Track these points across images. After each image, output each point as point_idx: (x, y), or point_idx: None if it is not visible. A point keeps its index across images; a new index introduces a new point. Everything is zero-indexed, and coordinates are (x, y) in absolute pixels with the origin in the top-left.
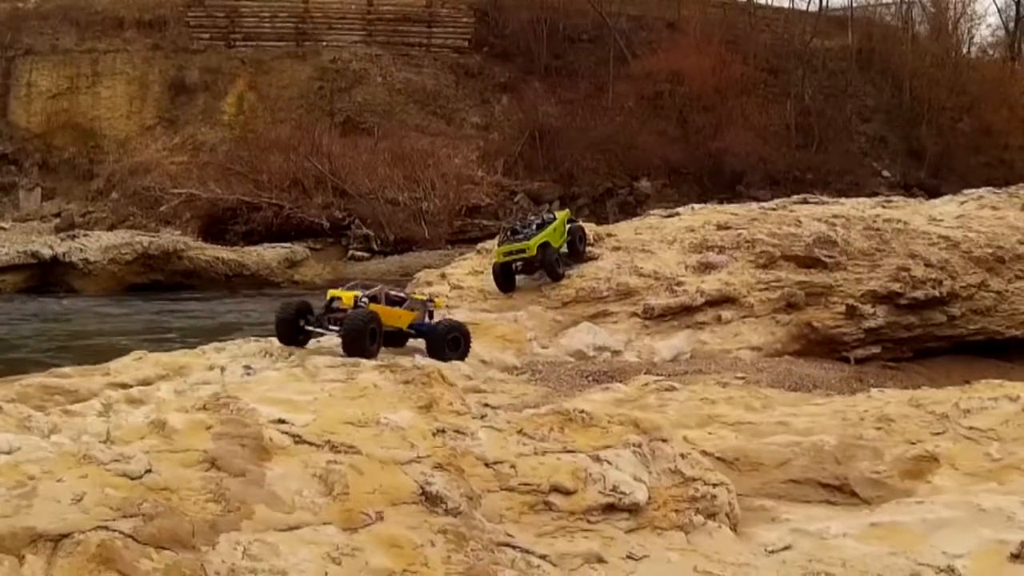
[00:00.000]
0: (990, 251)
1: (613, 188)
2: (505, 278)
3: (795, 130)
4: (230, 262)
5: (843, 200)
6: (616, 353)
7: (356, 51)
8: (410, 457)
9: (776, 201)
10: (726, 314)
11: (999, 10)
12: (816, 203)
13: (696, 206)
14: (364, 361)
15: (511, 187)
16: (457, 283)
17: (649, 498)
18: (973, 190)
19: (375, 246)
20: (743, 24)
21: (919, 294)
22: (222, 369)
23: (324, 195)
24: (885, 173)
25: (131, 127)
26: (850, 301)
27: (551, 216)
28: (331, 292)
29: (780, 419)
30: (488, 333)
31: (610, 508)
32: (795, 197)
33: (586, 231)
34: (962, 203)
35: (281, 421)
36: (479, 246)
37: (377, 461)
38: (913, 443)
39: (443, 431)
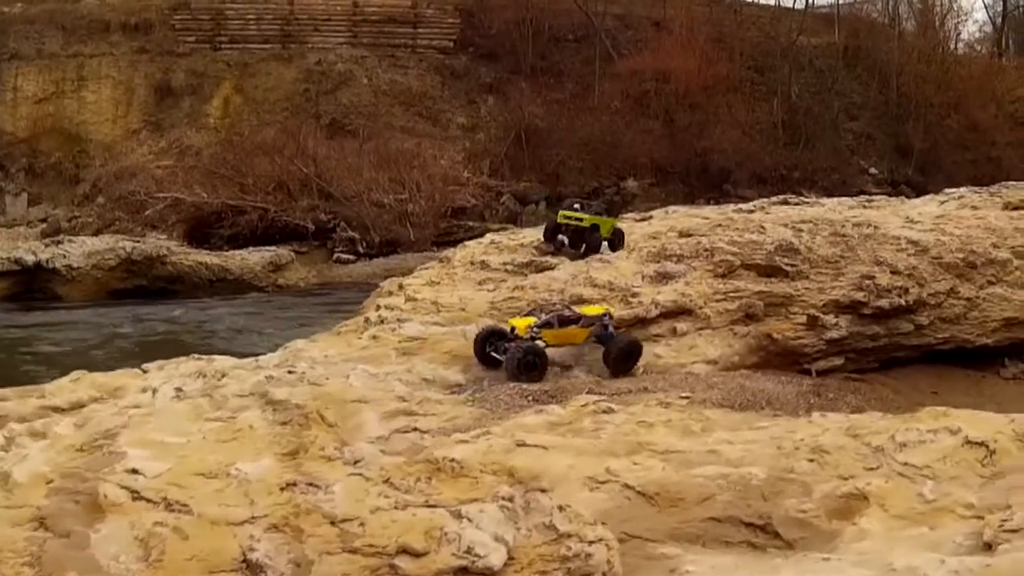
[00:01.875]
0: (961, 256)
1: (600, 188)
2: (552, 234)
3: (782, 128)
4: (213, 267)
5: (824, 200)
6: (566, 368)
7: (341, 53)
8: (245, 516)
9: (755, 202)
10: (682, 326)
11: (986, 6)
12: (796, 204)
13: (672, 208)
14: (252, 399)
15: (497, 188)
16: (412, 295)
17: (511, 558)
18: (954, 189)
19: (360, 249)
20: (729, 22)
21: (884, 303)
22: (154, 391)
23: (309, 198)
24: (872, 170)
25: (117, 131)
26: (811, 311)
27: (604, 213)
28: (511, 320)
29: (713, 447)
30: (436, 348)
31: (463, 572)
32: (775, 198)
33: (624, 234)
34: (942, 203)
35: (134, 471)
36: (443, 254)
37: (208, 522)
38: (845, 479)
39: (293, 484)
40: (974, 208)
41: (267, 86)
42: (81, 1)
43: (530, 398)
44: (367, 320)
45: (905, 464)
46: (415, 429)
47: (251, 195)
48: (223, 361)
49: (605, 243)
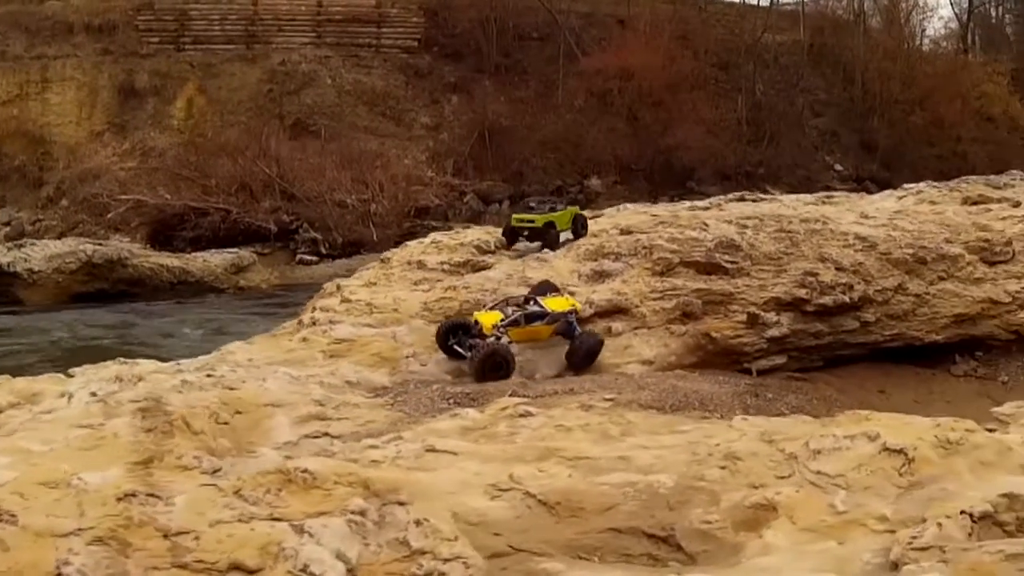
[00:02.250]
0: (911, 252)
1: (563, 186)
2: (511, 237)
3: (746, 125)
4: (174, 269)
5: (783, 196)
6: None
7: (306, 53)
8: (71, 528)
9: (711, 199)
10: (617, 326)
11: (952, 3)
12: (753, 200)
13: (624, 206)
14: (124, 405)
15: (461, 187)
16: (348, 296)
17: None
18: (913, 184)
19: (323, 250)
20: (694, 20)
21: (827, 300)
22: (70, 397)
23: (272, 199)
24: (837, 167)
25: (81, 133)
26: (752, 309)
27: (562, 206)
28: (476, 314)
29: (625, 453)
30: (364, 350)
31: None
32: (732, 195)
33: (587, 221)
34: (900, 198)
35: None
36: (384, 254)
37: (32, 533)
38: (755, 487)
39: (132, 495)
40: (932, 203)
41: (231, 87)
42: (45, 3)
43: (451, 400)
44: (300, 322)
45: (818, 473)
46: (326, 434)
47: (214, 196)
48: (145, 365)
49: (569, 233)
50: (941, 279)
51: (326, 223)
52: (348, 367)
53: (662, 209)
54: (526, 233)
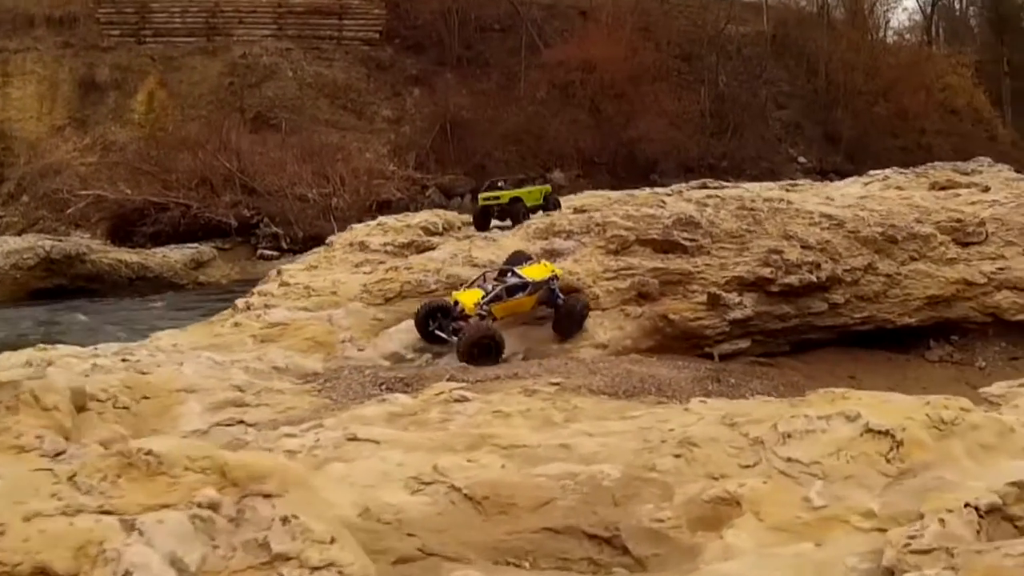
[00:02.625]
0: (880, 231)
1: (526, 179)
2: (483, 219)
3: (709, 117)
4: (133, 264)
5: (745, 184)
6: (438, 355)
7: (267, 45)
8: None
9: (673, 187)
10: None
11: None
12: (715, 187)
13: (586, 193)
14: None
15: (423, 181)
16: (287, 280)
17: None
18: (879, 171)
19: (284, 244)
20: (656, 11)
21: (793, 279)
22: None
23: (232, 193)
24: (801, 159)
25: (41, 128)
26: (712, 289)
27: (530, 184)
28: (455, 294)
29: (568, 440)
30: (297, 335)
31: None
32: (694, 183)
33: (560, 201)
34: (867, 184)
35: None
36: (329, 239)
37: None
38: (715, 478)
39: None
40: (899, 188)
41: (192, 80)
42: None
43: (383, 386)
44: (235, 307)
45: (789, 460)
46: (241, 422)
47: (174, 191)
48: (60, 350)
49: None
50: (913, 259)
51: (287, 217)
52: (278, 352)
53: (619, 193)
54: (497, 212)
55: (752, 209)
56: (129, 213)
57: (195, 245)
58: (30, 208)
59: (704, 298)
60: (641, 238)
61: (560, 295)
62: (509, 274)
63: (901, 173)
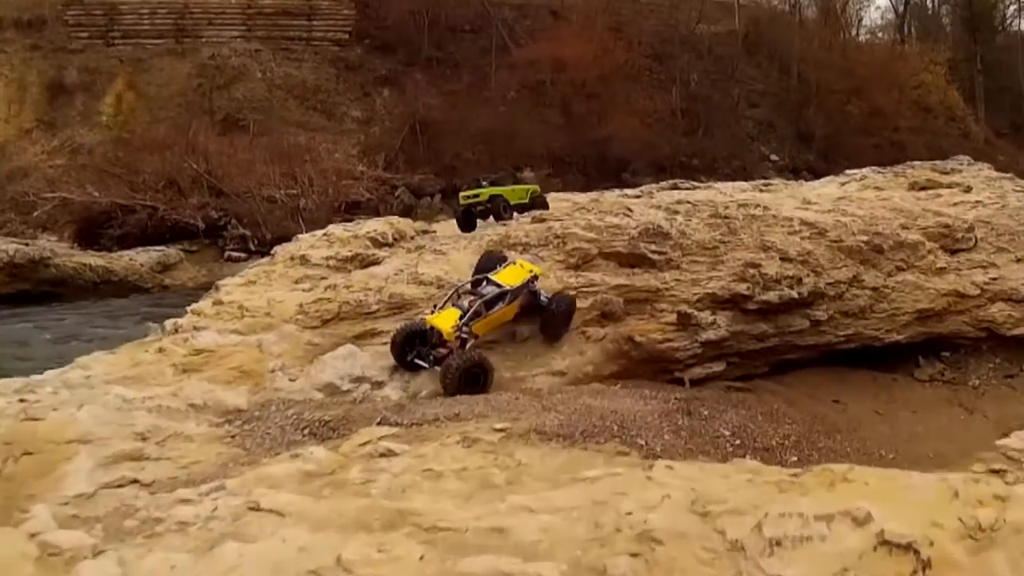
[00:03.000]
0: (865, 239)
1: (508, 176)
2: (466, 220)
3: (681, 116)
4: (97, 268)
5: (718, 184)
6: (378, 385)
7: (236, 47)
8: None
9: (643, 188)
10: (523, 329)
11: None
12: (687, 188)
13: (549, 196)
14: None
15: (392, 181)
16: (222, 297)
17: None
18: (856, 170)
19: (252, 246)
20: (627, 10)
21: (772, 296)
22: None
23: (200, 195)
24: (773, 157)
25: (10, 131)
26: (683, 308)
27: (512, 182)
28: (428, 319)
29: (503, 521)
30: (222, 363)
31: None
32: (664, 183)
33: (547, 200)
34: (843, 184)
35: None
36: (274, 249)
37: None
38: None
39: None
40: (878, 189)
41: (160, 82)
42: None
43: (306, 430)
44: (163, 329)
45: None
46: (135, 481)
47: (141, 193)
48: None
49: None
50: (900, 269)
51: (255, 219)
52: (198, 386)
53: (585, 197)
54: (479, 211)
55: (726, 217)
56: (96, 216)
57: (162, 248)
58: None
59: (674, 318)
60: (604, 251)
61: (544, 295)
62: (484, 283)
63: (879, 172)
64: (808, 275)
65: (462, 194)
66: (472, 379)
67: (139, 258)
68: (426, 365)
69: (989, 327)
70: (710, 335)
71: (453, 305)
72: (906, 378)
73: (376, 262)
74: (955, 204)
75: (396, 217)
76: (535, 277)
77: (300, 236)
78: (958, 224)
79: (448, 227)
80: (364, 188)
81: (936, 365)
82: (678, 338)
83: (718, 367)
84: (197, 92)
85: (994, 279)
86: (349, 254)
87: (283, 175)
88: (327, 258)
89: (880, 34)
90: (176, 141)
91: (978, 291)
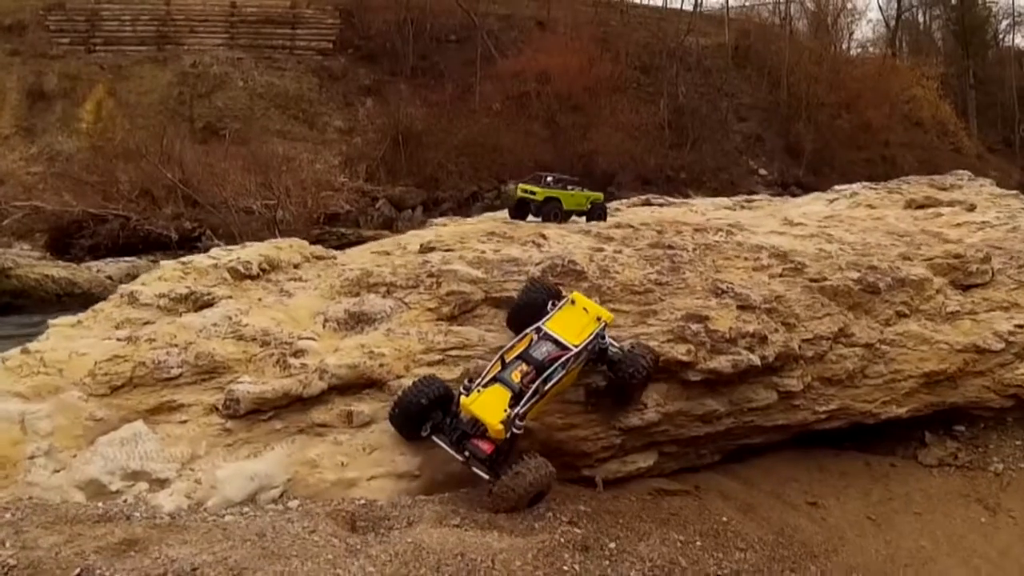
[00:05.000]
0: (856, 276)
1: (479, 191)
2: (518, 210)
3: (668, 129)
4: (60, 280)
5: (695, 201)
6: (158, 485)
7: (218, 55)
8: None
9: (617, 203)
10: (363, 409)
11: (880, 7)
12: (660, 204)
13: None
14: None
15: (373, 192)
16: (33, 347)
17: None
18: (846, 186)
19: None
20: (615, 22)
21: (723, 362)
22: None
23: (174, 205)
24: (762, 171)
25: None
26: (591, 380)
27: (577, 188)
28: (467, 404)
29: None
30: None
31: None
32: (636, 198)
33: (607, 209)
34: (832, 201)
35: None
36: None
37: None
38: None
39: None
40: (870, 207)
41: (141, 89)
42: None
43: None
44: None
45: None
46: None
47: (114, 203)
48: None
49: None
50: (901, 316)
51: (230, 230)
52: None
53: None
54: (533, 208)
55: (670, 247)
56: (67, 225)
57: (132, 259)
58: None
59: (582, 394)
60: (492, 295)
61: (613, 347)
62: (536, 337)
63: (871, 188)
64: (776, 330)
65: (520, 185)
66: (537, 498)
67: (107, 269)
68: (451, 451)
69: (1017, 393)
70: (634, 420)
71: (497, 380)
72: (908, 463)
73: (210, 303)
74: (958, 225)
75: (291, 240)
76: (604, 324)
77: (163, 263)
78: (971, 254)
79: (356, 253)
80: (344, 200)
81: (947, 444)
82: (587, 424)
83: (645, 461)
84: (178, 100)
85: (1020, 326)
86: (184, 291)
87: (261, 185)
88: (159, 295)
89: (871, 48)
90: (152, 150)
91: (1002, 344)
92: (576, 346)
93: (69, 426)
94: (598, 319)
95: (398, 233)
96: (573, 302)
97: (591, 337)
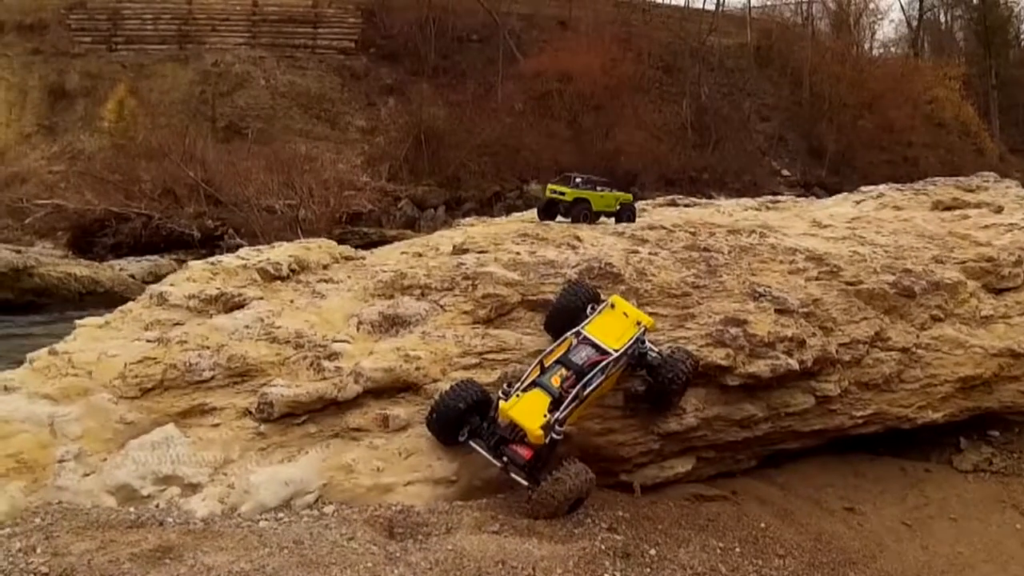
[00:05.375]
0: (891, 279)
1: (501, 191)
2: (547, 210)
3: (691, 129)
4: (83, 278)
5: (721, 201)
6: (191, 489)
7: (239, 54)
8: None
9: (643, 203)
10: (399, 413)
11: (902, 7)
12: (685, 205)
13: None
14: None
15: (395, 192)
16: (61, 347)
17: None
18: (872, 187)
19: None
20: (637, 22)
21: (762, 367)
22: None
23: (197, 204)
24: (784, 172)
25: (10, 135)
26: (631, 384)
27: (606, 188)
28: (506, 409)
29: None
30: None
31: None
32: (661, 199)
33: (636, 209)
34: (858, 202)
35: None
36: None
37: None
38: None
39: None
40: (897, 208)
41: (162, 88)
42: None
43: None
44: None
45: None
46: None
47: (136, 201)
48: None
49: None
50: (936, 320)
51: (252, 229)
52: None
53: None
54: (563, 208)
55: (707, 249)
56: (89, 224)
57: (154, 257)
58: None
59: (620, 399)
60: (529, 298)
61: (652, 351)
62: (576, 341)
63: (898, 190)
64: (814, 334)
65: (550, 185)
66: (576, 504)
67: (130, 268)
68: (489, 456)
69: None
70: (672, 425)
71: (537, 384)
72: (943, 468)
73: (241, 304)
74: (985, 227)
75: (320, 240)
76: (644, 329)
77: (191, 263)
78: (1004, 257)
79: (385, 253)
80: (366, 199)
81: (982, 449)
82: (626, 428)
83: (683, 466)
84: (200, 99)
85: None
86: (214, 292)
87: (283, 185)
88: (189, 296)
89: (893, 48)
90: (174, 148)
91: None
92: (616, 351)
93: (99, 429)
94: (638, 323)
95: (421, 233)
96: (613, 306)
97: (631, 342)
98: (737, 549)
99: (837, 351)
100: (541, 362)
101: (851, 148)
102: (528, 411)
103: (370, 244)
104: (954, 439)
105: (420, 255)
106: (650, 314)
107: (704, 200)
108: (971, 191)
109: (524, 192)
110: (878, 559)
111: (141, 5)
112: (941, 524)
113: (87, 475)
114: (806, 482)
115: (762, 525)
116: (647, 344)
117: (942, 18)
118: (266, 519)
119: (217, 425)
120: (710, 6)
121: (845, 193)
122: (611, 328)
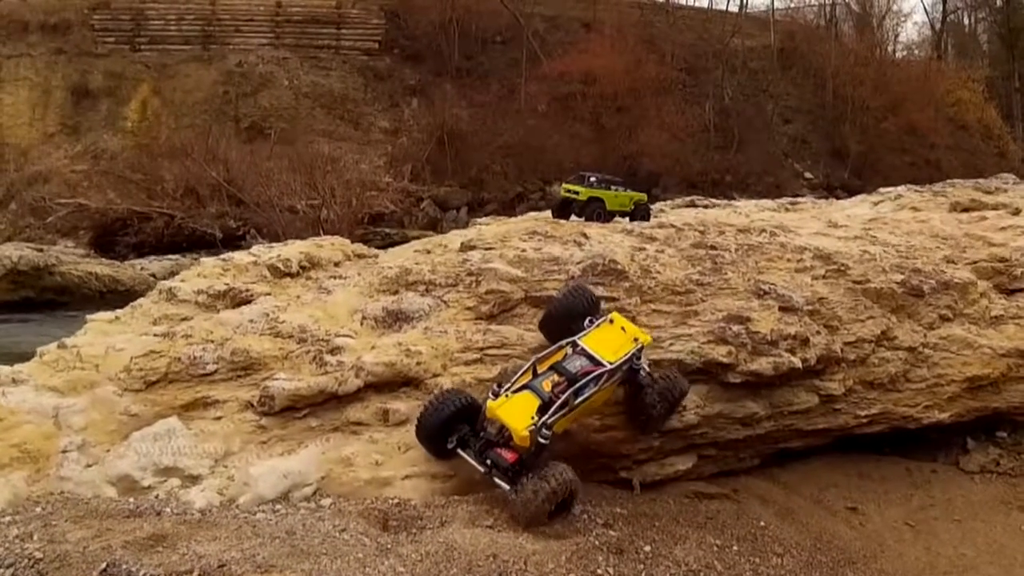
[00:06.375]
0: (900, 279)
1: (524, 192)
2: (562, 210)
3: (714, 131)
4: (104, 277)
5: (739, 203)
6: (190, 481)
7: (263, 54)
8: None
9: (662, 204)
10: (399, 407)
11: (926, 9)
12: (705, 206)
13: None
14: None
15: (418, 193)
16: (70, 341)
17: None
18: (890, 188)
19: None
20: (661, 23)
21: (764, 364)
22: None
23: (219, 204)
24: (807, 175)
25: (33, 135)
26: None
27: (620, 188)
28: (493, 407)
29: None
30: (2, 439)
31: None
32: (679, 200)
33: (651, 209)
34: (876, 203)
35: None
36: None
37: None
38: None
39: None
40: (915, 209)
41: (186, 88)
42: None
43: None
44: None
45: None
46: None
47: (159, 200)
48: None
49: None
50: (945, 320)
51: (274, 229)
52: None
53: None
54: (577, 208)
55: (713, 248)
56: (111, 223)
57: (176, 256)
58: (17, 216)
59: (620, 393)
60: (532, 295)
61: (644, 371)
62: (571, 351)
63: (916, 191)
64: (818, 332)
65: (564, 185)
66: (561, 505)
67: (151, 267)
68: (475, 463)
69: None
70: (673, 422)
71: (527, 387)
72: (949, 469)
73: (248, 299)
74: (1003, 229)
75: (333, 238)
76: (641, 346)
77: (204, 259)
78: (1017, 258)
79: (398, 252)
80: (389, 200)
81: (989, 450)
82: (624, 425)
83: (684, 464)
84: (223, 99)
85: None
86: (223, 288)
87: (306, 185)
88: (197, 292)
89: (916, 51)
90: (197, 148)
91: None
92: (611, 364)
93: (103, 421)
94: (635, 340)
95: (443, 233)
96: (612, 321)
97: (626, 357)
98: (735, 547)
99: (842, 350)
100: (534, 367)
101: (874, 150)
102: (516, 412)
103: (392, 244)
104: (961, 440)
105: (428, 252)
106: (652, 312)
107: (724, 202)
108: (990, 193)
109: (547, 193)
110: (878, 559)
111: (165, 5)
112: (945, 525)
113: (89, 466)
114: (809, 482)
115: (762, 523)
116: (642, 362)
117: (965, 20)
118: (263, 511)
119: (219, 418)
120: (733, 8)
121: (864, 195)
122: (608, 342)
